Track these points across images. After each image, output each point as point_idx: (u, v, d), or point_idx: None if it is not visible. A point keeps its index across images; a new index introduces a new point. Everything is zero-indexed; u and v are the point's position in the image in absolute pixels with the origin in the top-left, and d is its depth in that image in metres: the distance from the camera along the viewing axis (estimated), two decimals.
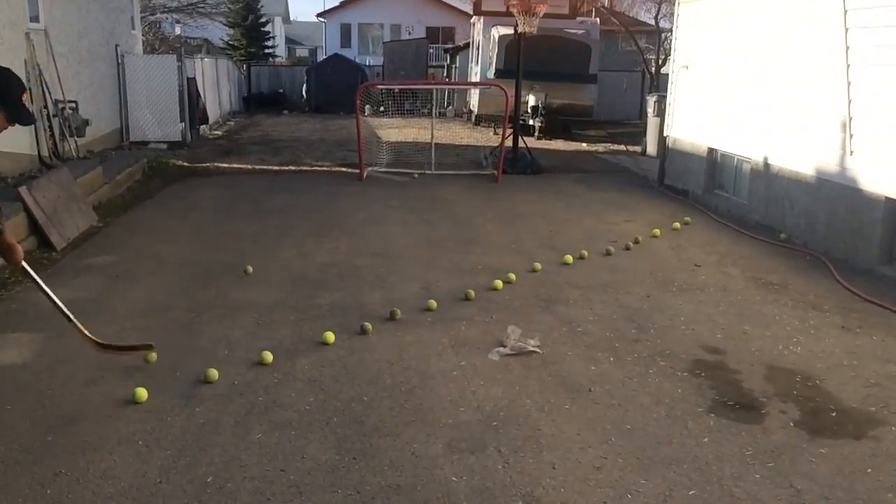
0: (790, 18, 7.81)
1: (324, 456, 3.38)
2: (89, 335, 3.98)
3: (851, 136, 6.77)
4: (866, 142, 6.63)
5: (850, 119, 6.76)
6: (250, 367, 4.31)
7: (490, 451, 3.44)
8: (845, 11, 6.70)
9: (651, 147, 14.13)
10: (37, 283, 3.79)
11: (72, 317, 3.88)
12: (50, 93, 9.83)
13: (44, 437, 3.51)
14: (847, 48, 6.72)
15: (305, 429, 3.61)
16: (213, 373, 4.13)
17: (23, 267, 3.62)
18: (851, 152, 6.79)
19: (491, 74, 17.67)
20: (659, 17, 27.00)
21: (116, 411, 3.75)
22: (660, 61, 25.10)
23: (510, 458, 3.38)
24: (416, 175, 11.29)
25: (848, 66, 6.72)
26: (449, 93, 23.60)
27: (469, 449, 3.45)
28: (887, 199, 6.40)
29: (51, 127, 9.87)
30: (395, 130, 17.06)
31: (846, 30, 6.70)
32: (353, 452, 3.41)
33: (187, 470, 3.24)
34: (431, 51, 31.23)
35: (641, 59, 26.26)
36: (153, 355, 4.30)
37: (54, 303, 3.82)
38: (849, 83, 6.73)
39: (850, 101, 6.73)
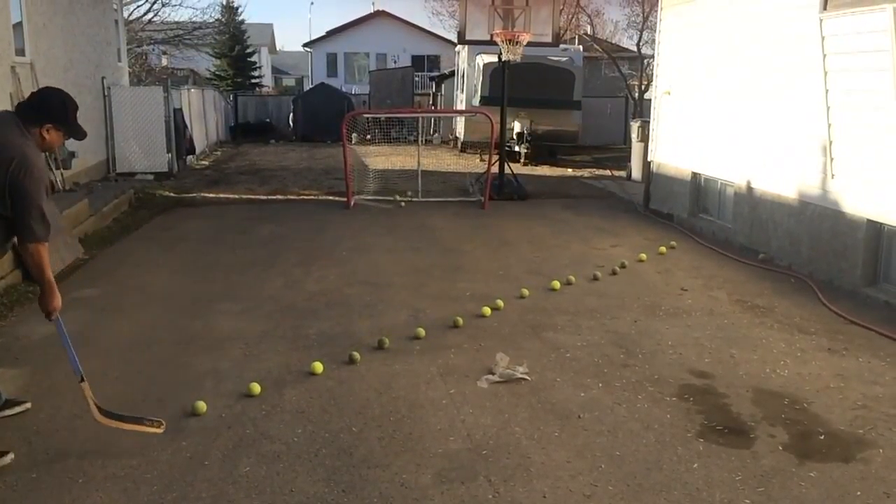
0: (770, 44, 7.94)
1: (312, 489, 3.35)
2: (94, 402, 3.77)
3: (832, 159, 6.86)
4: (846, 165, 6.72)
5: (831, 143, 6.86)
6: (238, 399, 4.28)
7: (480, 480, 3.43)
8: (822, 38, 6.83)
9: (636, 172, 14.23)
10: (62, 339, 3.78)
11: (84, 377, 3.80)
12: None
13: (28, 473, 3.46)
14: (825, 73, 6.84)
15: (294, 461, 3.59)
16: (202, 405, 4.10)
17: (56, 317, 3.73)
18: (833, 175, 6.88)
19: (476, 102, 17.82)
20: (641, 43, 27.42)
21: (102, 446, 3.71)
22: (643, 87, 25.44)
23: (500, 488, 3.36)
24: (403, 203, 11.27)
25: (826, 91, 6.84)
26: (435, 120, 23.74)
27: (459, 479, 3.44)
28: (869, 221, 6.48)
29: None
30: (381, 158, 17.13)
31: (824, 56, 6.83)
32: (342, 485, 3.38)
33: None
34: (417, 79, 31.48)
35: (625, 84, 26.61)
36: (160, 430, 3.79)
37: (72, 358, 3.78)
38: (828, 108, 6.84)
39: (829, 126, 6.84)
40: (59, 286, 6.61)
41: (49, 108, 3.67)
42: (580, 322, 5.74)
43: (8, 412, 3.99)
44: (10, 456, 3.56)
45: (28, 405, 4.11)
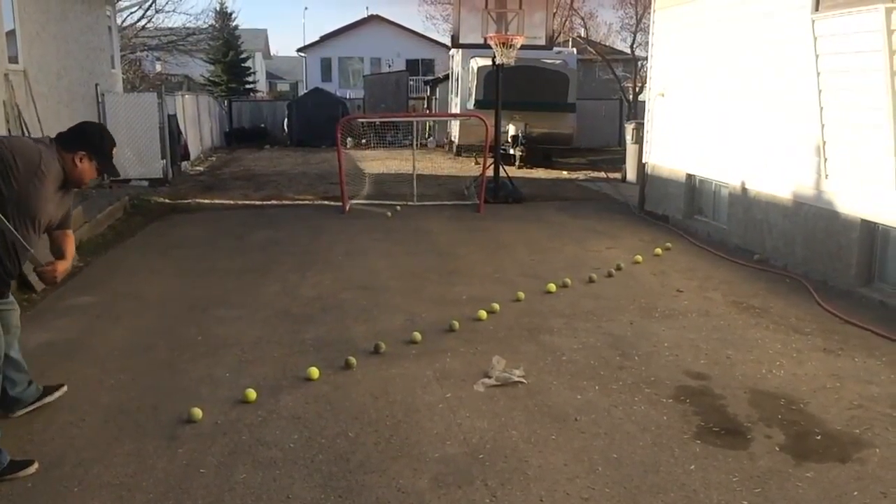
0: (763, 45, 7.97)
1: (309, 495, 3.34)
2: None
3: (825, 159, 6.88)
4: (840, 165, 6.74)
5: (824, 143, 6.87)
6: (234, 406, 4.27)
7: (477, 484, 3.42)
8: (815, 38, 6.85)
9: (631, 173, 14.27)
10: None
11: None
12: (30, 134, 9.79)
13: (24, 482, 3.45)
14: (818, 74, 6.85)
15: (290, 467, 3.58)
16: (197, 412, 4.09)
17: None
18: (826, 175, 6.90)
19: (471, 105, 17.81)
20: (634, 46, 27.49)
21: (98, 455, 3.70)
22: (637, 89, 25.50)
23: (497, 492, 3.36)
24: (395, 209, 11.12)
25: (820, 91, 6.85)
26: (430, 124, 23.76)
27: (456, 483, 3.43)
28: (863, 221, 6.49)
29: None
30: (377, 162, 17.15)
31: (816, 56, 6.84)
32: (338, 490, 3.37)
33: None
34: (412, 83, 31.53)
35: (619, 86, 26.66)
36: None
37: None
38: (821, 108, 6.85)
39: (822, 126, 6.85)
40: (54, 294, 6.65)
41: (85, 137, 3.77)
42: (576, 324, 5.74)
43: (47, 399, 4.24)
44: (35, 465, 3.56)
45: (64, 388, 4.39)
